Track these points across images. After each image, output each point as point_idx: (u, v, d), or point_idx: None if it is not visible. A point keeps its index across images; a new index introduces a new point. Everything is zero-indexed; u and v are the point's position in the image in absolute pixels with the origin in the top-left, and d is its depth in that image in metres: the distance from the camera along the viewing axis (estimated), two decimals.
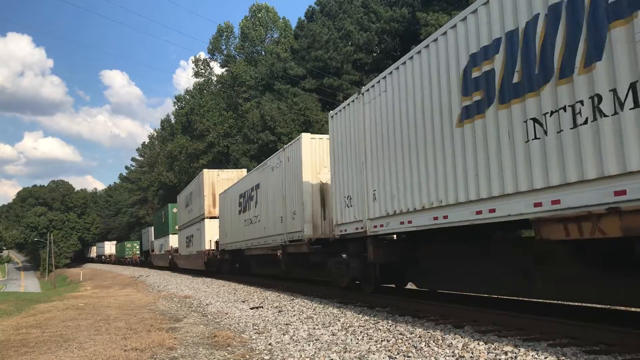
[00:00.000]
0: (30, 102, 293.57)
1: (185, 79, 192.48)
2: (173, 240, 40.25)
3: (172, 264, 39.95)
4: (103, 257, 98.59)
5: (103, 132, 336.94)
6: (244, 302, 14.03)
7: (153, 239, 52.54)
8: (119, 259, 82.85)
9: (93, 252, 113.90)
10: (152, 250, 52.21)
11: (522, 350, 5.97)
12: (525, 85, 6.46)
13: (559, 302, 8.11)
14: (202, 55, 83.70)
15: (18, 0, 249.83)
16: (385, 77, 10.09)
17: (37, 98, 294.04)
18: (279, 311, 11.41)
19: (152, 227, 54.75)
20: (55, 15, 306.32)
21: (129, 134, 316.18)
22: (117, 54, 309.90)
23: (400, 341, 7.08)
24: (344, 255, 12.37)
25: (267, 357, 6.76)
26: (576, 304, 8.43)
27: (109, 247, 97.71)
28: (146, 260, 59.20)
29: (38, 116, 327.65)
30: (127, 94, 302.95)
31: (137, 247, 73.01)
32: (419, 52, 8.85)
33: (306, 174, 14.78)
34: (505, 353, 5.91)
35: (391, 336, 7.46)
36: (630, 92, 5.18)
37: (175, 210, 40.76)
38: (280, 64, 48.88)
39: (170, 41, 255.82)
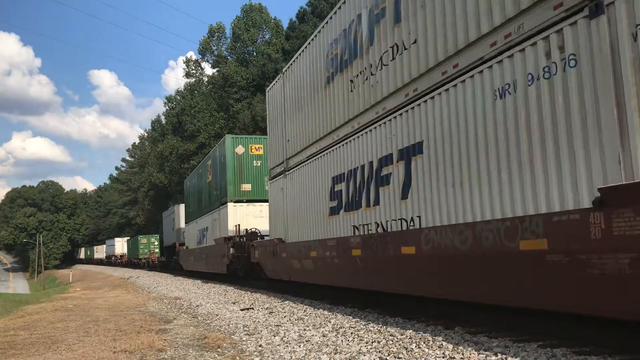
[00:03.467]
0: (18, 101, 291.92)
1: (174, 79, 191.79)
2: (239, 214, 21.04)
3: (246, 267, 18.79)
4: (113, 257, 75.61)
5: (92, 133, 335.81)
6: (234, 303, 13.98)
7: (183, 225, 33.75)
8: (131, 260, 62.66)
9: (101, 253, 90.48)
10: (183, 244, 33.63)
11: (512, 351, 5.98)
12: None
13: None
14: (193, 55, 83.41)
15: None
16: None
17: (25, 98, 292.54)
18: (270, 312, 11.38)
19: (181, 206, 35.84)
20: (43, 14, 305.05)
21: (117, 134, 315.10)
22: (105, 54, 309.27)
23: (390, 342, 7.07)
24: None
25: (257, 359, 6.73)
26: None
27: (121, 246, 73.79)
28: (170, 261, 40.13)
29: (26, 116, 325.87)
30: (115, 94, 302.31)
31: (156, 242, 54.41)
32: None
33: None
34: (496, 354, 5.92)
35: (382, 337, 7.46)
36: None
37: (240, 150, 21.79)
38: (271, 64, 48.88)
39: (159, 41, 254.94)
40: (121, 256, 71.83)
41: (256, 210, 21.27)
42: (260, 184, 21.77)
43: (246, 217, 21.02)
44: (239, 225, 20.31)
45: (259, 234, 19.21)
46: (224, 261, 21.04)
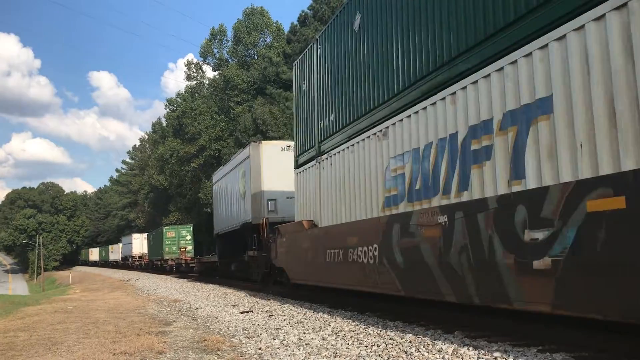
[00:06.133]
0: (17, 102, 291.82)
1: (173, 81, 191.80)
2: None
3: None
4: (131, 259, 59.76)
5: (92, 134, 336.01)
6: (234, 306, 13.98)
7: (273, 186, 18.61)
8: (152, 263, 48.85)
9: (116, 253, 73.32)
10: (281, 222, 15.97)
11: (512, 356, 5.98)
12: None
13: None
14: (193, 58, 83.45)
15: None
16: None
17: (25, 99, 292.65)
18: (270, 315, 11.38)
19: (266, 146, 19.40)
20: (43, 15, 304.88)
21: (117, 136, 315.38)
22: (105, 55, 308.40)
23: (390, 346, 7.08)
24: None
25: None
26: None
27: (140, 244, 57.01)
28: (228, 263, 24.15)
29: (26, 117, 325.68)
30: (115, 96, 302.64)
31: (189, 237, 41.12)
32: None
33: None
34: (495, 359, 5.92)
35: (381, 341, 7.46)
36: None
37: None
38: (272, 68, 48.96)
39: (159, 43, 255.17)
40: (140, 257, 56.52)
41: None
42: None
43: None
44: None
45: None
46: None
